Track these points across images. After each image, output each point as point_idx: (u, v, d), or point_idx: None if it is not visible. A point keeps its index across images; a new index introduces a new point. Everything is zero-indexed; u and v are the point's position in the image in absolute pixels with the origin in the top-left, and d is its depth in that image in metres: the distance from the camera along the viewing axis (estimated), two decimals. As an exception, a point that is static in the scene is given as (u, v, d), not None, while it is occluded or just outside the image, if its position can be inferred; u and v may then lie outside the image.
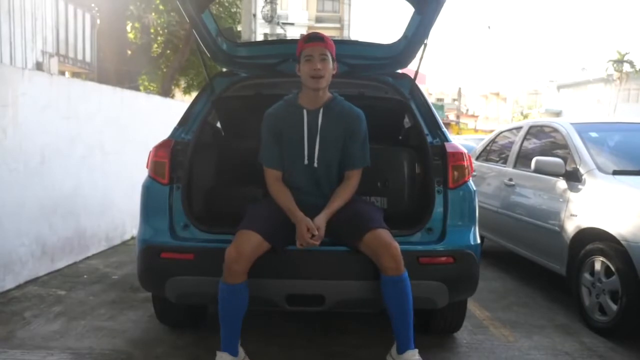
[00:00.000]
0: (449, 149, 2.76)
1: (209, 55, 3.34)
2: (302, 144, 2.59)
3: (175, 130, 2.94)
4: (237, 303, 2.40)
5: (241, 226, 2.43)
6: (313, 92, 2.58)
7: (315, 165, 2.58)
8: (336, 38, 2.68)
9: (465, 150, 2.82)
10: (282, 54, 3.22)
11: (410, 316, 2.43)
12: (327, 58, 2.53)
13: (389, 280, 2.37)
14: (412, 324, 2.45)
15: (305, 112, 2.60)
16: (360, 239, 2.39)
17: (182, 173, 2.74)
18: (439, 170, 2.72)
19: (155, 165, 2.76)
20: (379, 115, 3.10)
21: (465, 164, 2.75)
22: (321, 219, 2.46)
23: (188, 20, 3.06)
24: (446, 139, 2.86)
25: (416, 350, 2.46)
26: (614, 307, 3.26)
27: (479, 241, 2.73)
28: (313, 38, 2.58)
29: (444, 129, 2.97)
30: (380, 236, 2.38)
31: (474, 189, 2.79)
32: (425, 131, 2.93)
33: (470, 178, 2.79)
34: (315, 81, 2.53)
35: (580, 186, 3.76)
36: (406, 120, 3.40)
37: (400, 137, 3.51)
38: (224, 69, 3.51)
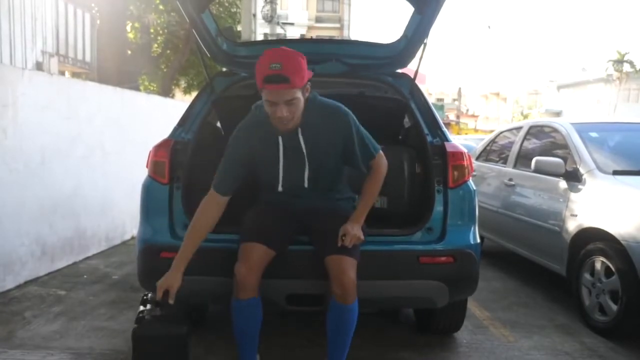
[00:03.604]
0: (449, 149, 2.76)
1: (208, 55, 3.35)
2: (288, 171, 2.37)
3: (175, 129, 2.94)
4: (253, 318, 2.35)
5: (243, 239, 2.37)
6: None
7: (306, 185, 2.40)
8: (336, 38, 2.58)
9: (465, 150, 2.82)
10: None
11: (347, 346, 2.38)
12: (295, 98, 2.15)
13: (334, 305, 2.30)
14: (346, 354, 2.40)
15: (280, 139, 2.33)
16: (324, 258, 2.32)
17: (182, 173, 2.73)
18: (439, 170, 2.72)
19: (155, 165, 2.76)
20: (378, 115, 3.09)
21: (465, 163, 2.74)
22: (351, 225, 2.30)
23: (188, 20, 3.06)
24: (446, 139, 2.86)
25: None
26: (614, 307, 3.26)
27: (479, 241, 2.73)
28: (275, 78, 2.09)
29: (444, 129, 2.96)
30: (338, 262, 2.27)
31: (474, 188, 2.78)
32: (425, 131, 2.92)
33: (470, 178, 2.79)
34: (281, 126, 2.24)
35: (580, 186, 3.76)
36: (406, 120, 3.40)
37: (400, 137, 3.51)
38: (224, 69, 3.51)
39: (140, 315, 2.43)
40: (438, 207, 2.67)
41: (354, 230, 2.30)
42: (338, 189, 2.55)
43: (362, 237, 2.32)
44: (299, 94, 2.18)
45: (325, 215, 2.44)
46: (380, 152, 2.44)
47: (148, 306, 2.48)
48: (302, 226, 2.48)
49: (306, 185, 2.39)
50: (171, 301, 2.26)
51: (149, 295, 2.56)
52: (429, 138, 2.87)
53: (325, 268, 2.31)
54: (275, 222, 2.44)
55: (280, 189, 2.39)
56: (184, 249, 2.33)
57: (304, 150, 2.34)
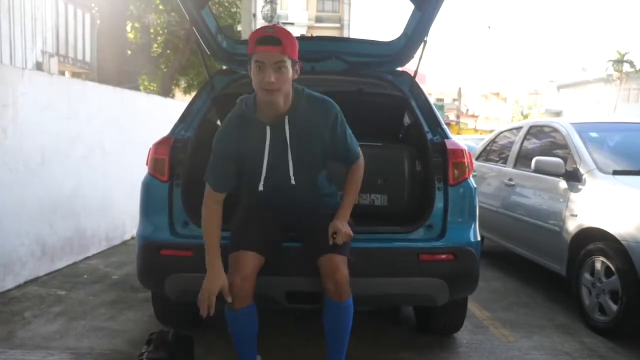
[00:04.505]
0: (449, 146, 2.75)
1: (209, 52, 3.34)
2: (274, 165, 2.30)
3: (175, 127, 2.94)
4: (249, 326, 2.34)
5: (233, 248, 2.32)
6: (269, 105, 2.21)
7: (293, 182, 2.33)
8: (336, 36, 2.56)
9: (465, 147, 2.81)
10: None
11: (345, 344, 2.37)
12: (284, 65, 2.10)
13: (329, 303, 2.30)
14: (345, 351, 2.39)
15: (268, 129, 2.26)
16: (317, 259, 2.31)
17: (182, 170, 2.73)
18: (439, 168, 2.72)
19: (155, 163, 2.76)
20: (378, 113, 3.09)
21: (466, 161, 2.74)
22: (340, 222, 2.29)
23: (188, 18, 3.06)
24: (446, 136, 2.86)
25: None
26: (614, 307, 3.25)
27: (479, 238, 2.73)
28: (267, 39, 2.09)
29: (444, 126, 2.96)
30: (331, 260, 2.26)
31: (474, 186, 2.78)
32: (426, 128, 2.92)
33: (471, 175, 2.78)
34: (266, 93, 2.14)
35: (580, 186, 3.76)
36: (406, 117, 3.40)
37: (400, 135, 3.51)
38: (224, 67, 3.51)
39: (141, 357, 2.46)
40: (438, 205, 2.67)
41: (344, 228, 2.30)
42: (322, 184, 2.49)
43: (351, 233, 2.32)
44: (288, 65, 2.13)
45: (311, 214, 2.42)
46: (360, 160, 2.46)
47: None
48: (289, 226, 2.46)
49: (292, 181, 2.31)
50: (229, 299, 2.21)
51: (154, 335, 2.58)
52: (429, 135, 2.87)
53: (317, 267, 2.30)
54: (262, 227, 2.39)
55: (261, 187, 2.31)
56: (212, 247, 2.28)
57: (288, 141, 2.27)
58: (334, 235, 2.28)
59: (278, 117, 2.26)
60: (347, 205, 2.40)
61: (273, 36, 2.10)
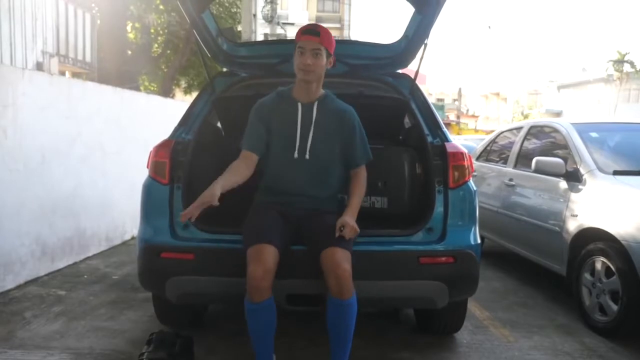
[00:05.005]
0: (449, 149, 2.76)
1: (209, 55, 3.34)
2: (295, 137, 2.54)
3: (176, 130, 2.94)
4: (269, 319, 2.35)
5: (251, 241, 2.35)
6: (305, 85, 2.54)
7: (307, 157, 2.53)
8: (336, 38, 2.59)
9: (465, 150, 2.82)
10: (283, 54, 3.22)
11: (349, 343, 2.38)
12: (320, 53, 2.47)
13: (332, 301, 2.31)
14: (348, 351, 2.39)
15: (299, 105, 2.56)
16: (319, 255, 2.33)
17: (183, 173, 2.73)
18: (439, 170, 2.72)
19: (155, 165, 2.76)
20: (379, 115, 3.09)
21: (466, 163, 2.74)
22: (349, 218, 2.40)
23: (188, 20, 3.06)
24: (446, 139, 2.86)
25: None
26: (614, 307, 3.26)
27: (479, 241, 2.73)
28: (309, 31, 2.51)
29: (445, 129, 2.96)
30: (333, 255, 2.29)
31: (475, 188, 2.78)
32: (426, 131, 2.92)
33: (471, 178, 2.79)
34: (303, 73, 2.48)
35: (580, 186, 3.76)
36: (406, 120, 3.40)
37: (400, 137, 3.51)
38: (225, 69, 3.51)
39: (141, 357, 2.46)
40: (438, 208, 2.67)
41: (352, 222, 2.38)
42: (332, 183, 2.60)
43: (358, 229, 2.39)
44: (323, 54, 2.48)
45: (313, 216, 2.50)
46: (365, 166, 2.65)
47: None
48: (295, 227, 2.49)
49: (307, 156, 2.52)
50: (215, 203, 2.29)
51: (154, 335, 2.58)
52: (429, 138, 2.87)
53: (319, 265, 2.32)
54: (275, 222, 2.46)
55: (296, 154, 2.53)
56: (221, 180, 2.38)
57: (313, 120, 2.54)
58: (342, 229, 2.34)
59: (309, 100, 2.56)
60: (355, 205, 2.51)
61: (314, 29, 2.52)
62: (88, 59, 16.44)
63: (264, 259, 2.28)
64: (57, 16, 14.38)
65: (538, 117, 29.89)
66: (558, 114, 33.40)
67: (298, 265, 2.46)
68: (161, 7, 13.01)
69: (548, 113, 35.71)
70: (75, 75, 15.91)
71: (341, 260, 2.29)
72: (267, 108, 2.59)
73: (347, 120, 2.59)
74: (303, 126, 2.54)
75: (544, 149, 4.62)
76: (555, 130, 4.47)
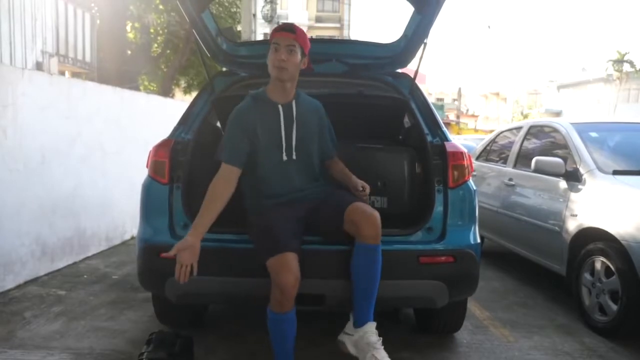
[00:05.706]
0: (449, 149, 2.76)
1: (209, 55, 3.34)
2: (280, 139, 2.49)
3: (175, 129, 2.94)
4: (293, 330, 2.38)
5: (273, 251, 2.32)
6: (280, 84, 2.48)
7: (294, 157, 2.51)
8: (336, 38, 2.60)
9: (465, 150, 2.82)
10: None
11: (375, 289, 2.38)
12: (295, 50, 2.44)
13: (364, 247, 2.34)
14: (375, 297, 2.39)
15: (280, 107, 2.51)
16: (342, 216, 2.37)
17: (182, 172, 2.73)
18: (439, 170, 2.72)
19: (155, 165, 2.76)
20: (378, 115, 3.09)
21: (465, 163, 2.75)
22: (359, 180, 2.58)
23: (188, 20, 3.06)
24: (446, 139, 2.86)
25: (375, 324, 2.39)
26: (614, 307, 3.26)
27: (479, 240, 2.73)
28: (284, 28, 2.50)
29: (444, 129, 2.97)
30: (360, 207, 2.38)
31: (474, 188, 2.79)
32: (425, 130, 2.93)
33: (471, 177, 2.79)
34: (277, 70, 2.43)
35: (580, 186, 3.76)
36: (406, 119, 3.40)
37: (400, 137, 3.51)
38: (224, 69, 3.51)
39: (141, 357, 2.47)
40: (438, 207, 2.67)
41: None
42: (317, 170, 2.64)
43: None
44: (298, 51, 2.45)
45: (321, 200, 2.55)
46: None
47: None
48: (305, 219, 2.51)
49: (294, 156, 2.51)
50: (195, 274, 2.25)
51: (154, 335, 2.58)
52: (429, 138, 2.87)
53: (347, 228, 2.37)
54: (289, 226, 2.44)
55: (284, 157, 2.50)
56: (202, 220, 2.31)
57: (294, 120, 2.52)
58: (363, 188, 2.53)
59: (286, 100, 2.53)
60: (351, 174, 2.64)
61: (289, 26, 2.52)
62: (88, 58, 16.45)
63: (293, 267, 2.28)
64: (57, 16, 14.38)
65: (538, 117, 29.88)
66: (558, 114, 33.38)
67: (302, 265, 2.46)
68: (161, 7, 13.00)
69: (548, 113, 35.69)
70: (75, 75, 15.91)
71: (369, 209, 2.38)
72: (248, 115, 2.50)
73: (322, 115, 2.64)
74: (286, 127, 2.51)
75: (544, 149, 4.62)
76: (555, 130, 4.47)
